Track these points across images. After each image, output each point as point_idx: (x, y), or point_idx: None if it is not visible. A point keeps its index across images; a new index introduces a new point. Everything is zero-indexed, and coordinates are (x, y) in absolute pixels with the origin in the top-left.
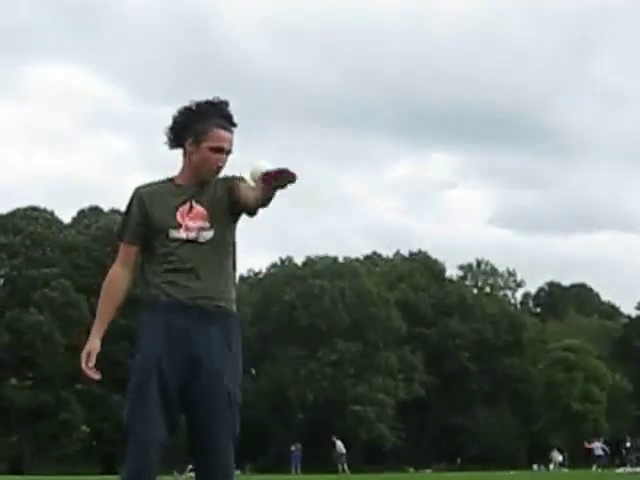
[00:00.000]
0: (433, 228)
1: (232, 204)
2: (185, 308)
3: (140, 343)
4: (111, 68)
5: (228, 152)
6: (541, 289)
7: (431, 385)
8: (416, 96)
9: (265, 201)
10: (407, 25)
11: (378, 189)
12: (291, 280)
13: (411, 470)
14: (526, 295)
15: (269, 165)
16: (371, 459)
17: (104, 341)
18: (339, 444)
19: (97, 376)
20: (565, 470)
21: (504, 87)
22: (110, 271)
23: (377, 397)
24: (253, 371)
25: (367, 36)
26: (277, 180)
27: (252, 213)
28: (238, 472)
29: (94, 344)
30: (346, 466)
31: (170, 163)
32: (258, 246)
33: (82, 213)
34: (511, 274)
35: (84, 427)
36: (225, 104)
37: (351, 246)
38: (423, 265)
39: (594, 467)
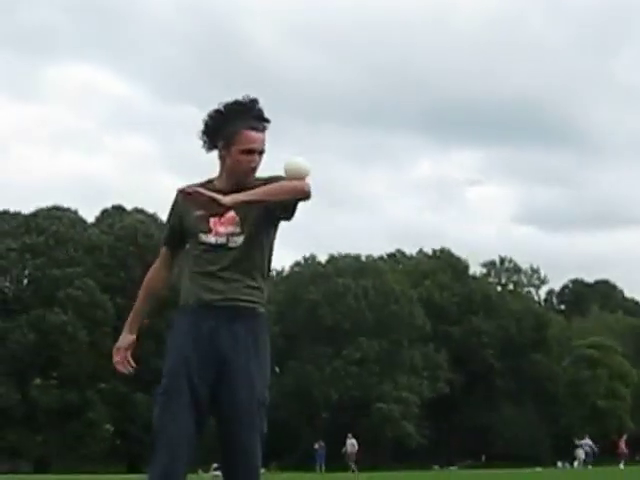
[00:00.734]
0: (456, 226)
1: (268, 208)
2: (212, 309)
3: (169, 345)
4: (133, 67)
5: (261, 152)
6: (565, 286)
7: (456, 383)
8: (439, 93)
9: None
10: (429, 22)
11: (401, 187)
12: (315, 279)
13: (436, 467)
14: (550, 292)
15: (303, 161)
16: (397, 457)
17: None
18: (349, 442)
19: (125, 370)
20: (590, 467)
21: (527, 84)
22: (150, 269)
23: (402, 395)
24: (277, 369)
25: (388, 33)
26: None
27: (286, 217)
28: (263, 470)
29: (124, 339)
30: (354, 465)
31: (194, 163)
32: (282, 244)
33: (105, 212)
34: (535, 271)
35: (108, 426)
36: (254, 102)
37: (374, 244)
38: (447, 263)
39: (621, 464)
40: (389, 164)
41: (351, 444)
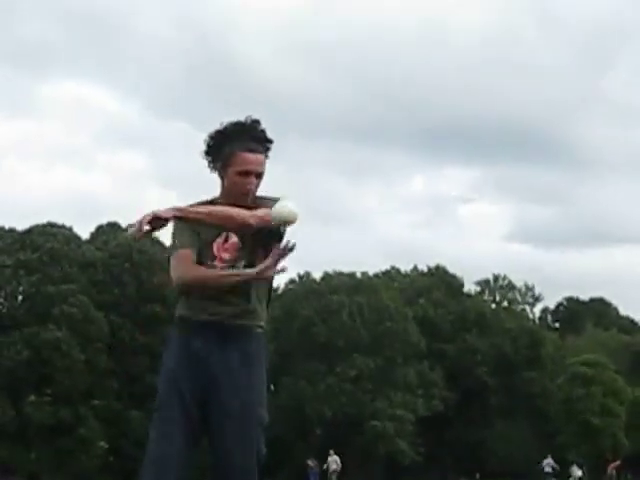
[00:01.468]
0: (450, 243)
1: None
2: (206, 328)
3: (164, 362)
4: (125, 83)
5: (259, 175)
6: (559, 304)
7: (450, 400)
8: (432, 111)
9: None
10: (423, 40)
11: (394, 204)
12: (309, 296)
13: None
14: (544, 310)
15: (292, 208)
16: (390, 475)
17: (122, 356)
18: (331, 459)
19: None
20: None
21: (520, 102)
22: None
23: (396, 413)
24: (271, 386)
25: (381, 50)
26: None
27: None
28: None
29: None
30: None
31: (188, 179)
32: None
33: (100, 229)
34: (529, 289)
35: (102, 443)
36: (255, 123)
37: (368, 262)
38: (441, 280)
39: None
40: (382, 181)
41: (333, 461)
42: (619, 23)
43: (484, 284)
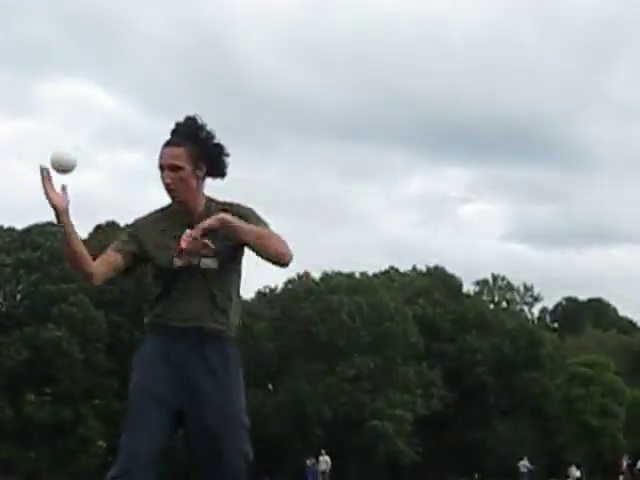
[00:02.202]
0: (449, 243)
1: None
2: (180, 331)
3: (134, 363)
4: (125, 83)
5: (173, 168)
6: (558, 304)
7: (449, 400)
8: (431, 111)
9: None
10: (422, 39)
11: (393, 204)
12: (308, 295)
13: None
14: (543, 310)
15: (68, 153)
16: (390, 475)
17: (122, 356)
18: (322, 459)
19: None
20: None
21: (519, 101)
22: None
23: (395, 413)
24: (270, 386)
25: (381, 50)
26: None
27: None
28: None
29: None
30: None
31: None
32: None
33: (99, 228)
34: (528, 289)
35: (101, 442)
36: (189, 120)
37: (367, 261)
38: (440, 280)
39: None
40: (382, 181)
41: (324, 461)
42: (619, 23)
43: (483, 284)
